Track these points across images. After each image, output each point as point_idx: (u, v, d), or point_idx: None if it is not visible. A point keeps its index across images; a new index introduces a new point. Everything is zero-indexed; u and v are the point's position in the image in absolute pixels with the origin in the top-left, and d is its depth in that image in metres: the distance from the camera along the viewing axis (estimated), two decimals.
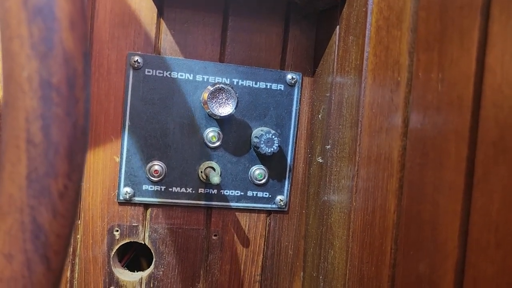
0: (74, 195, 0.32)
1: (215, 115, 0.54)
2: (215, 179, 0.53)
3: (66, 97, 0.30)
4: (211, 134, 0.58)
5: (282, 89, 0.60)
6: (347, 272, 0.49)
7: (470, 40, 0.32)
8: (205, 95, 0.54)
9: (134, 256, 0.64)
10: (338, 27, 0.54)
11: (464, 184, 0.32)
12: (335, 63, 0.54)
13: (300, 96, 0.61)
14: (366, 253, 0.45)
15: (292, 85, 0.60)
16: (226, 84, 0.54)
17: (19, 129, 0.29)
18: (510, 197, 0.28)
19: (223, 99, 0.54)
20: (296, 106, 0.61)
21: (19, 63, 0.29)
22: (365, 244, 0.45)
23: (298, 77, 0.61)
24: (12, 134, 0.29)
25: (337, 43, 0.54)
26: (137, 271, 0.62)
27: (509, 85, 0.28)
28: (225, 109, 0.54)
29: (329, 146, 0.55)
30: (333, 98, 0.54)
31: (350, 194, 0.48)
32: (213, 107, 0.54)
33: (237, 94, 0.54)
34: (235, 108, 0.54)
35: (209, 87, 0.54)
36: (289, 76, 0.60)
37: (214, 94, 0.54)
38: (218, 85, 0.54)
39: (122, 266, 0.62)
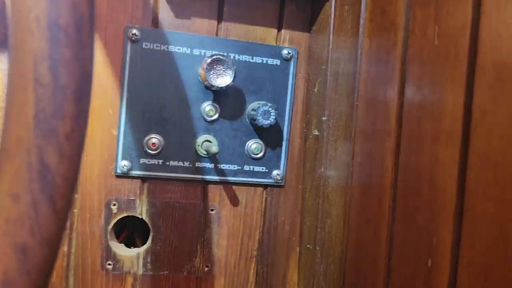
0: (80, 139, 0.32)
1: (213, 86, 0.55)
2: (214, 148, 0.53)
3: (74, 40, 0.30)
4: (208, 107, 0.59)
5: (278, 63, 0.61)
6: (345, 237, 0.49)
7: None
8: (203, 65, 0.55)
9: (130, 235, 0.64)
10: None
11: (461, 130, 0.33)
12: (331, 35, 0.55)
13: (296, 70, 0.62)
14: (364, 216, 0.46)
15: (288, 60, 0.61)
16: (223, 55, 0.55)
17: (26, 70, 0.29)
18: (508, 135, 0.29)
19: (221, 70, 0.54)
20: (292, 81, 0.62)
21: (27, 4, 0.29)
22: (363, 206, 0.46)
23: (293, 52, 0.61)
24: (19, 75, 0.29)
25: (332, 15, 0.55)
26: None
27: (505, 27, 0.29)
28: (223, 79, 0.55)
29: (325, 118, 0.56)
30: (329, 70, 0.55)
31: (348, 160, 0.49)
32: (211, 78, 0.54)
33: (234, 66, 0.55)
34: (233, 79, 0.55)
35: (206, 58, 0.55)
36: (285, 51, 0.61)
37: (211, 65, 0.54)
38: (215, 56, 0.54)
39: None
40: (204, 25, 0.59)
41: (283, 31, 0.62)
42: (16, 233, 0.30)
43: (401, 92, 0.40)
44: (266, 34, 0.61)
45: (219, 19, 0.60)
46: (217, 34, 0.60)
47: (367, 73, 0.46)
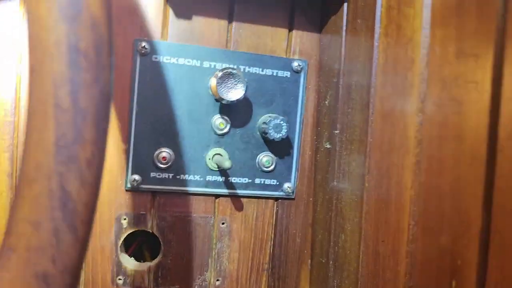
0: (100, 164, 0.31)
1: (225, 99, 0.54)
2: (227, 163, 0.52)
3: (94, 63, 0.30)
4: (218, 120, 0.58)
5: (288, 76, 0.61)
6: (361, 253, 0.49)
7: (490, 9, 0.33)
8: (214, 80, 0.54)
9: (139, 247, 0.64)
10: (345, 11, 0.54)
11: (486, 151, 0.32)
12: (343, 48, 0.55)
13: (306, 82, 0.61)
14: (381, 232, 0.45)
15: (298, 72, 0.61)
16: (234, 69, 0.54)
17: (46, 94, 0.29)
18: None
19: (232, 84, 0.54)
20: (302, 93, 0.61)
21: (47, 27, 0.28)
22: (379, 223, 0.45)
23: (304, 64, 0.61)
24: (39, 99, 0.29)
25: (344, 28, 0.54)
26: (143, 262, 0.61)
27: None
28: (235, 93, 0.54)
29: (337, 131, 0.56)
30: (341, 83, 0.55)
31: (362, 176, 0.49)
32: (222, 92, 0.54)
33: (245, 79, 0.54)
34: (244, 93, 0.54)
35: (217, 72, 0.54)
36: (295, 63, 0.60)
37: (223, 79, 0.54)
38: (227, 70, 0.54)
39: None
40: (213, 37, 0.59)
41: (293, 43, 0.61)
42: (37, 261, 0.30)
43: (420, 110, 0.39)
44: (276, 46, 0.61)
45: (229, 32, 0.59)
46: (226, 47, 0.59)
47: (383, 88, 0.46)
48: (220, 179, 0.60)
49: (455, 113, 0.35)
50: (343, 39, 0.54)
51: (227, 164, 0.52)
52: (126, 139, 0.57)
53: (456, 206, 0.35)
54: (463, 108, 0.35)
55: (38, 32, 0.29)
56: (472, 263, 0.33)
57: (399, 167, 0.42)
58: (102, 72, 0.30)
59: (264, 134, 0.58)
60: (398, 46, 0.43)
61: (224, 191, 0.60)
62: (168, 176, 0.58)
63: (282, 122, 0.56)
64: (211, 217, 0.60)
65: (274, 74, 0.60)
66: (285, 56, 0.61)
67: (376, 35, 0.47)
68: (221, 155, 0.58)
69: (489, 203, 0.32)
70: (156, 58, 0.57)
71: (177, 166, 0.58)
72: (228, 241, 0.61)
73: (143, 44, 0.56)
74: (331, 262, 0.56)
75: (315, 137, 0.63)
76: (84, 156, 0.30)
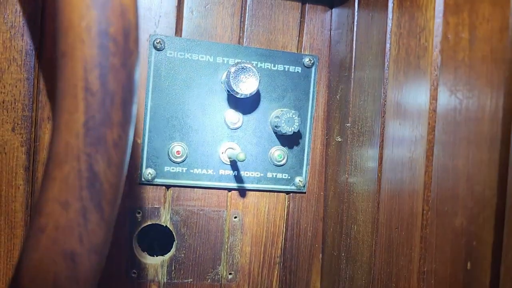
0: (126, 146, 0.32)
1: (238, 93, 0.55)
2: (241, 155, 0.53)
3: (122, 48, 0.31)
4: (231, 115, 0.59)
5: (300, 71, 0.62)
6: (374, 243, 0.50)
7: None
8: (227, 74, 0.55)
9: (150, 246, 0.64)
10: (356, 4, 0.55)
11: (501, 133, 0.33)
12: (354, 42, 0.55)
13: (317, 77, 0.62)
14: (394, 220, 0.46)
15: (309, 67, 0.62)
16: (247, 63, 0.55)
17: (77, 78, 0.30)
18: None
19: (245, 78, 0.55)
20: (313, 88, 0.62)
21: (78, 13, 0.30)
22: (393, 211, 0.46)
23: (315, 59, 0.62)
24: (69, 83, 0.30)
25: (355, 23, 0.55)
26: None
27: None
28: (248, 87, 0.55)
29: (349, 124, 0.56)
30: (353, 76, 0.56)
31: (375, 166, 0.49)
32: (236, 86, 0.55)
33: (258, 73, 0.55)
34: (257, 87, 0.55)
35: (231, 66, 0.55)
36: (306, 59, 0.61)
37: (236, 73, 0.55)
38: (240, 64, 0.55)
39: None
40: (226, 33, 0.60)
41: (304, 38, 0.62)
42: (65, 240, 0.31)
43: (434, 97, 0.40)
44: (288, 42, 0.62)
45: (242, 28, 0.61)
46: (239, 43, 0.61)
47: (395, 79, 0.47)
48: (232, 173, 0.60)
49: (469, 97, 0.36)
50: (355, 32, 0.55)
51: (241, 156, 0.53)
52: (140, 133, 0.58)
53: (471, 188, 0.36)
54: (478, 93, 0.35)
55: (69, 17, 0.30)
56: (488, 243, 0.34)
57: (412, 154, 0.43)
58: (129, 57, 0.31)
59: (276, 128, 0.59)
60: (411, 36, 0.44)
61: (237, 185, 0.61)
62: (182, 170, 0.59)
63: (294, 116, 0.57)
64: (223, 211, 0.61)
65: (286, 69, 0.61)
66: (296, 52, 0.62)
67: (388, 28, 0.48)
68: (233, 149, 0.59)
69: (504, 183, 0.33)
70: (170, 53, 0.58)
71: (191, 160, 0.59)
72: (240, 235, 0.62)
73: (158, 39, 0.57)
74: (343, 254, 0.57)
75: (325, 131, 0.63)
76: (111, 138, 0.31)
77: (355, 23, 0.56)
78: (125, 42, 0.31)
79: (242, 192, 0.62)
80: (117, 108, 0.31)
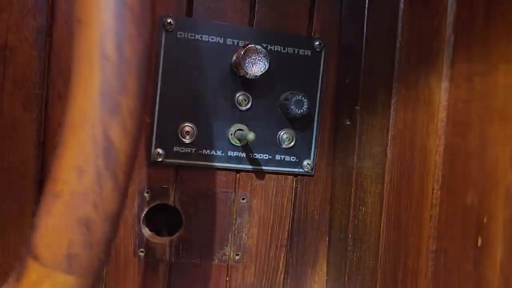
0: (141, 115, 0.33)
1: (248, 74, 0.55)
2: (250, 136, 0.53)
3: (139, 17, 0.31)
4: (241, 97, 0.59)
5: (309, 54, 0.62)
6: (382, 224, 0.50)
7: None
8: (238, 55, 0.55)
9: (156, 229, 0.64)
10: None
11: None
12: (365, 25, 0.55)
13: (327, 61, 0.62)
14: (404, 200, 0.46)
15: (319, 51, 0.62)
16: (257, 45, 0.55)
17: (93, 45, 0.30)
18: None
19: (256, 59, 0.55)
20: (323, 71, 0.62)
21: None
22: (402, 191, 0.46)
23: (325, 42, 0.62)
24: (86, 50, 0.30)
25: (366, 6, 0.55)
26: None
27: None
28: (258, 67, 0.55)
29: (358, 107, 0.56)
30: (363, 60, 0.56)
31: (385, 147, 0.50)
32: (246, 66, 0.55)
33: (268, 55, 0.55)
34: (267, 68, 0.55)
35: (241, 48, 0.55)
36: (316, 42, 0.61)
37: (247, 54, 0.55)
38: (250, 45, 0.55)
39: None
40: (237, 15, 0.60)
41: (314, 21, 0.62)
42: (80, 207, 0.31)
43: (447, 75, 0.40)
44: (298, 25, 0.62)
45: (252, 9, 0.61)
46: (249, 24, 0.61)
47: (406, 61, 0.47)
48: (241, 154, 0.61)
49: (483, 74, 0.36)
50: (365, 15, 0.55)
51: (251, 136, 0.53)
52: (150, 113, 0.58)
53: (482, 165, 0.36)
54: (492, 69, 0.35)
55: None
56: (499, 219, 0.34)
57: (423, 133, 0.43)
58: (146, 26, 0.32)
59: (285, 110, 0.59)
60: (423, 17, 0.44)
61: (245, 166, 0.61)
62: (191, 150, 0.59)
63: (303, 98, 0.57)
64: (232, 192, 0.61)
65: (296, 52, 0.61)
66: (306, 35, 0.62)
67: (400, 11, 0.48)
68: (242, 130, 0.59)
69: None
70: (181, 34, 0.58)
71: (200, 141, 0.59)
72: (248, 217, 0.62)
73: (169, 20, 0.57)
74: (350, 236, 0.57)
75: (334, 115, 0.64)
76: (127, 106, 0.31)
77: (366, 6, 0.56)
78: (142, 11, 0.31)
79: (250, 174, 0.62)
80: (133, 77, 0.31)
